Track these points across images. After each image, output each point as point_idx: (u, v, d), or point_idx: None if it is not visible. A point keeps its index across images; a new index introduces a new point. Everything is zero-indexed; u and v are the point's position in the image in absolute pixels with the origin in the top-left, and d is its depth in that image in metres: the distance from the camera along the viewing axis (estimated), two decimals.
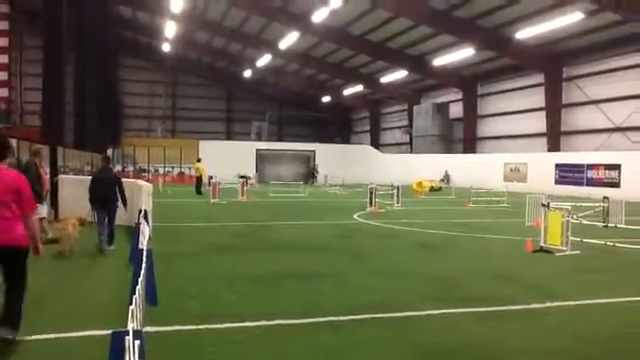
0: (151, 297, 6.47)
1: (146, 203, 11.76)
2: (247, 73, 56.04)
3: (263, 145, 52.71)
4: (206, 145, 46.57)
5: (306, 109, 65.85)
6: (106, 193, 10.56)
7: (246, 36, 46.66)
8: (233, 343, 5.47)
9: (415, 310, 6.77)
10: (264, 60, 48.56)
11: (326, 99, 61.29)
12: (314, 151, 51.42)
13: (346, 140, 65.38)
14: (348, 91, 55.51)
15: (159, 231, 12.48)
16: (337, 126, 68.50)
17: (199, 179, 29.96)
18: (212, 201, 23.67)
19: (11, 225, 5.05)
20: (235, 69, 58.57)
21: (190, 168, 41.81)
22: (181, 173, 46.95)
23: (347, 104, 63.28)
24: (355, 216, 18.72)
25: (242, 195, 25.98)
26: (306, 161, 51.88)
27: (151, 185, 14.25)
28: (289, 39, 40.21)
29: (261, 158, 50.11)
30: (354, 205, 22.69)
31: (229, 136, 64.43)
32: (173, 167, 47.46)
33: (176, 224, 15.63)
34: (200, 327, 5.88)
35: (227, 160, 43.02)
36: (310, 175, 36.70)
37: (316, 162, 39.70)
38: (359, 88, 53.25)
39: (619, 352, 5.41)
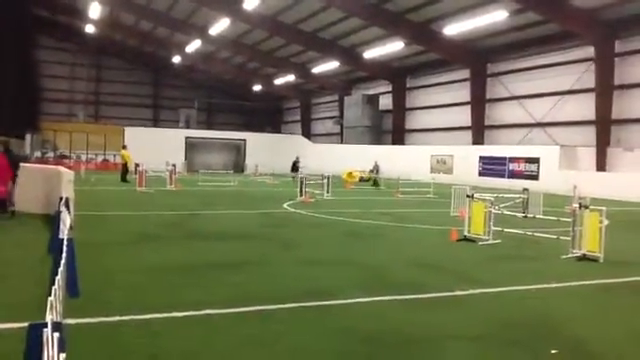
0: (72, 288, 6.20)
1: (67, 190, 11.26)
2: (176, 59, 54.65)
3: (192, 133, 51.62)
4: (132, 132, 45.07)
5: (237, 97, 65.12)
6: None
7: (174, 20, 45.43)
8: (159, 334, 5.33)
9: (344, 298, 6.84)
10: (193, 46, 47.53)
11: (257, 88, 60.79)
12: (245, 140, 50.96)
13: (277, 130, 65.16)
14: (279, 80, 55.28)
15: (82, 220, 11.98)
16: (268, 115, 68.18)
17: (125, 167, 29.05)
18: (139, 189, 23.02)
19: None
20: (163, 54, 56.97)
21: (115, 155, 40.43)
22: (105, 160, 45.33)
23: (278, 93, 63.02)
24: (285, 205, 18.71)
25: (171, 184, 25.41)
26: (236, 150, 51.34)
27: (73, 172, 13.67)
28: (220, 25, 39.52)
29: (190, 146, 49.11)
30: (284, 194, 22.69)
31: (156, 123, 62.76)
32: (97, 154, 45.72)
33: (100, 213, 15.08)
34: (124, 318, 5.70)
35: (154, 148, 41.84)
36: (294, 168, 35.83)
37: (298, 155, 38.77)
38: (290, 77, 53.13)
39: (539, 336, 5.67)
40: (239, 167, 48.30)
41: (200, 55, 52.41)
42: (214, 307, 6.15)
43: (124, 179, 28.12)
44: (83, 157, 43.19)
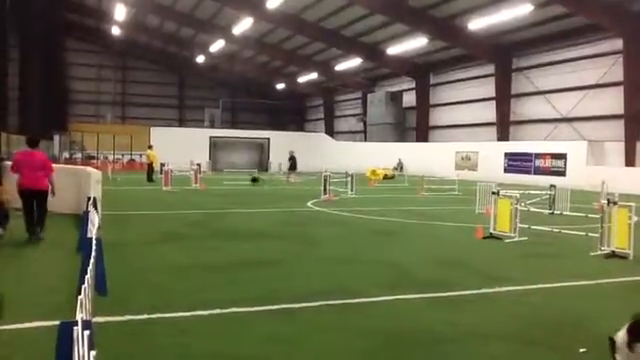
0: (101, 287, 6.31)
1: (95, 190, 11.44)
2: (200, 59, 55.10)
3: (217, 132, 51.98)
4: (158, 132, 45.58)
5: (260, 96, 65.37)
6: None
7: (198, 21, 45.81)
8: (186, 332, 5.39)
9: (369, 296, 6.84)
10: (217, 46, 47.84)
11: (280, 86, 60.95)
12: (268, 138, 51.15)
13: (300, 128, 65.27)
14: (302, 78, 55.34)
15: (109, 219, 12.19)
16: (291, 113, 68.31)
17: (150, 166, 29.40)
18: (164, 189, 23.27)
19: (41, 179, 9.85)
20: (187, 54, 57.49)
21: (141, 155, 40.92)
22: (132, 160, 45.90)
23: (301, 91, 63.11)
24: (309, 204, 18.74)
25: (196, 183, 25.64)
26: (260, 149, 51.56)
27: (100, 172, 13.88)
28: (243, 25, 39.72)
29: (215, 145, 49.50)
30: (308, 193, 22.70)
31: (181, 123, 63.43)
32: (123, 154, 46.35)
33: (127, 212, 15.30)
34: (152, 316, 5.77)
35: (180, 147, 42.25)
36: (291, 165, 35.48)
37: (292, 149, 37.94)
38: (313, 75, 53.13)
39: (563, 335, 5.60)
40: (263, 166, 48.49)
41: (224, 55, 52.75)
42: (240, 305, 6.20)
43: (150, 179, 28.45)
44: (110, 157, 43.82)
